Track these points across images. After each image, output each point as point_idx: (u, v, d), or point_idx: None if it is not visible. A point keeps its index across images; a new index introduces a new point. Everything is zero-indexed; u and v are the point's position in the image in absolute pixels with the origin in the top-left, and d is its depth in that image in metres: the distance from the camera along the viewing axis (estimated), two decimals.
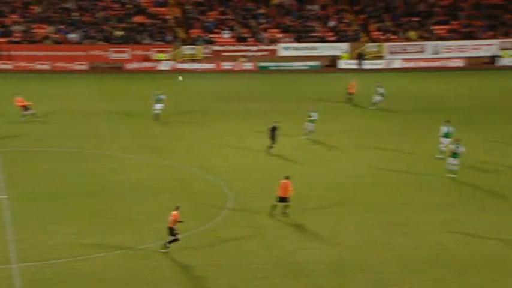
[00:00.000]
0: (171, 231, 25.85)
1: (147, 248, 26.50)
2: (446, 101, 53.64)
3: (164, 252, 25.89)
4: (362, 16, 73.83)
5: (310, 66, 68.07)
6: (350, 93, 52.05)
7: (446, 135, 38.09)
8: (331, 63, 69.04)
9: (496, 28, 72.03)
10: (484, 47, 70.52)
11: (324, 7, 74.24)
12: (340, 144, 41.31)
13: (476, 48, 70.47)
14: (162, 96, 46.17)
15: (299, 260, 25.98)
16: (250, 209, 30.88)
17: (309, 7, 74.24)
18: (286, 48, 69.40)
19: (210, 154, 39.22)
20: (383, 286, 24.25)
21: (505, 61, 69.50)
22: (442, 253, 26.70)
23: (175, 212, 25.96)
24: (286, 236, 28.13)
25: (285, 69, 67.38)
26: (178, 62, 66.80)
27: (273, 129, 38.85)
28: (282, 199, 29.70)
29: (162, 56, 67.30)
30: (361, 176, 35.67)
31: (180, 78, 53.97)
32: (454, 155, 34.86)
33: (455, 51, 70.29)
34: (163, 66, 66.56)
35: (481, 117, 47.95)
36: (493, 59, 69.99)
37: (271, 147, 38.92)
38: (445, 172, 35.28)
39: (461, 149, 34.72)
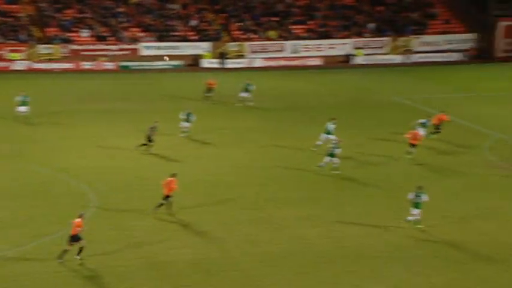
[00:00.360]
0: (75, 239, 25.02)
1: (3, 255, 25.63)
2: (308, 99, 55.00)
3: (80, 263, 25.11)
4: (223, 15, 74.39)
5: (172, 65, 67.85)
6: (209, 90, 52.47)
7: (328, 132, 39.43)
8: (193, 62, 69.12)
9: (350, 28, 74.64)
10: (339, 46, 72.85)
11: (184, 6, 74.20)
12: (209, 142, 41.51)
13: (332, 48, 72.74)
14: (27, 98, 44.70)
15: (166, 260, 25.95)
16: (116, 210, 30.49)
17: (170, 6, 73.95)
18: (148, 48, 68.82)
19: (72, 156, 38.29)
20: (248, 282, 24.66)
21: (358, 60, 72.12)
22: (304, 247, 27.48)
23: (78, 220, 25.24)
24: (154, 236, 27.99)
25: (147, 69, 66.81)
26: (35, 62, 64.70)
27: (152, 129, 38.93)
28: (166, 197, 29.72)
29: (15, 55, 64.93)
30: (227, 174, 36.03)
31: (166, 58, 53.34)
32: (331, 154, 36.01)
33: (313, 50, 72.24)
34: (18, 66, 64.28)
35: (342, 114, 49.47)
36: (347, 57, 72.47)
37: (145, 145, 38.80)
38: (311, 167, 36.54)
39: (338, 150, 36.11)
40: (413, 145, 38.60)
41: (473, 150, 41.21)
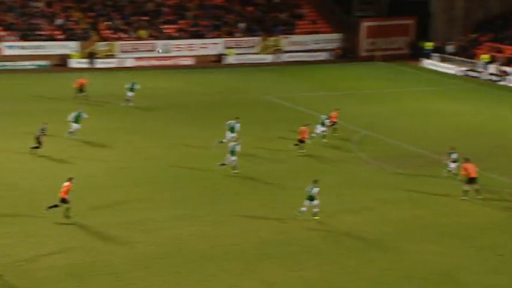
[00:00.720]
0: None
1: None
2: (181, 98, 54.87)
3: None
4: (91, 14, 72.82)
5: (38, 65, 65.70)
6: (80, 89, 51.31)
7: (231, 130, 39.84)
8: (61, 62, 67.27)
9: (221, 28, 75.00)
10: (211, 46, 73.08)
11: (49, 4, 72.00)
12: (84, 143, 40.69)
13: (204, 47, 72.86)
14: None
15: (34, 267, 25.11)
16: None
17: (33, 4, 71.55)
18: (11, 47, 66.31)
19: None
20: (121, 285, 24.27)
21: (230, 59, 72.63)
22: (179, 247, 27.36)
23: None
24: (19, 244, 27.03)
25: (11, 69, 64.29)
26: None
27: (42, 131, 38.32)
28: (62, 200, 29.15)
29: None
30: (99, 176, 35.36)
31: (159, 50, 50.88)
32: (232, 152, 36.12)
33: (185, 50, 72.09)
34: None
35: (215, 112, 49.68)
36: (219, 57, 72.82)
37: (36, 148, 38.02)
38: (187, 165, 36.68)
39: (238, 148, 36.27)
40: (301, 141, 39.83)
41: (343, 146, 42.32)
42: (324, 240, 28.63)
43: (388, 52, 76.37)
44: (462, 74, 68.03)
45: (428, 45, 74.61)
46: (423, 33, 76.96)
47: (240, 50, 73.51)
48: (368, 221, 30.60)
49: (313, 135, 41.85)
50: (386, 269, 26.08)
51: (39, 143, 38.03)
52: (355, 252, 27.35)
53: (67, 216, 29.22)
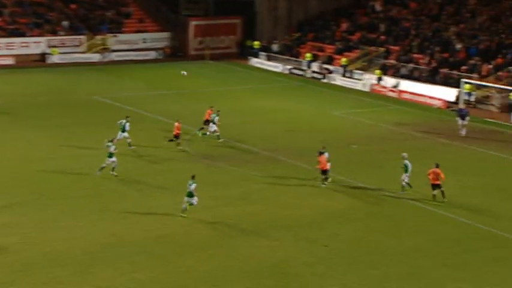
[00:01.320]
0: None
1: None
2: (2, 100, 52.49)
3: None
4: None
5: None
6: None
7: (123, 129, 39.69)
8: None
9: (42, 26, 72.43)
10: (33, 45, 70.42)
11: None
12: None
13: (25, 46, 70.07)
14: None
15: None
16: None
17: None
18: None
19: None
20: None
21: (54, 58, 70.37)
22: (3, 257, 26.19)
23: None
24: None
25: None
26: None
27: None
28: None
29: None
30: None
31: (184, 73, 45.24)
32: (110, 154, 35.44)
33: (4, 49, 68.93)
34: None
35: (40, 114, 48.03)
36: (43, 56, 70.37)
37: None
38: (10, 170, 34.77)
39: (113, 148, 35.64)
40: (176, 136, 40.74)
41: (174, 146, 42.28)
42: (157, 240, 28.46)
43: (217, 51, 77.25)
44: (287, 72, 70.16)
45: (255, 44, 76.27)
46: (250, 32, 78.51)
47: (64, 49, 71.39)
48: (202, 220, 30.74)
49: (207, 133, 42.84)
50: (220, 265, 26.35)
51: None
52: (191, 251, 27.40)
53: None
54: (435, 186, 33.46)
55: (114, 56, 73.29)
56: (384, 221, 31.37)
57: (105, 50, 73.38)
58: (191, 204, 30.69)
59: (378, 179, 37.05)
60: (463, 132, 46.61)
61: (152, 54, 75.80)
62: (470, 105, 55.11)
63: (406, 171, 34.44)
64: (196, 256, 26.95)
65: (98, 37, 73.49)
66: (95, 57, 72.43)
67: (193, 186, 30.67)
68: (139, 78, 65.21)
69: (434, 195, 33.44)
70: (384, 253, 27.86)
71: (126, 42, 75.22)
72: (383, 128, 48.33)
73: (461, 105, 51.08)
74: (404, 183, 34.53)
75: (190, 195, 30.64)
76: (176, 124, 41.19)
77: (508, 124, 50.40)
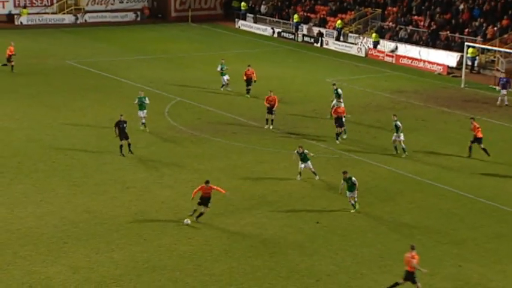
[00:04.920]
0: None
1: None
2: None
3: None
4: None
5: None
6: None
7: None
8: None
9: None
10: None
11: None
12: None
13: None
14: None
15: None
16: None
17: None
18: None
19: None
20: None
21: (23, 20, 69.77)
22: None
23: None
24: None
25: None
26: None
27: None
28: None
29: None
30: None
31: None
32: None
33: None
34: None
35: (8, 80, 47.79)
36: (10, 17, 69.72)
37: None
38: None
39: None
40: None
41: (156, 115, 42.12)
42: (134, 217, 28.42)
43: (201, 13, 76.79)
44: (276, 35, 69.84)
45: (242, 5, 75.81)
46: None
47: (34, 9, 70.69)
48: (183, 193, 30.71)
49: None
50: (203, 244, 26.35)
51: None
52: (171, 229, 27.36)
53: None
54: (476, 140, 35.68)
55: (88, 18, 72.68)
56: (379, 196, 31.44)
57: (78, 10, 72.74)
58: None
59: (373, 151, 37.10)
60: (506, 101, 46.54)
61: (130, 16, 75.26)
62: (474, 71, 55.13)
63: (396, 131, 35.99)
64: (177, 234, 26.93)
65: None
66: (68, 18, 71.82)
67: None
68: (116, 42, 64.84)
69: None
70: (378, 230, 27.94)
71: (102, 2, 74.63)
72: (380, 96, 48.32)
73: (502, 74, 50.85)
74: (403, 145, 36.20)
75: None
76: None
77: None
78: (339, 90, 40.55)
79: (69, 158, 34.63)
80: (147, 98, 38.96)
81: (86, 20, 72.39)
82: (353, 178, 29.38)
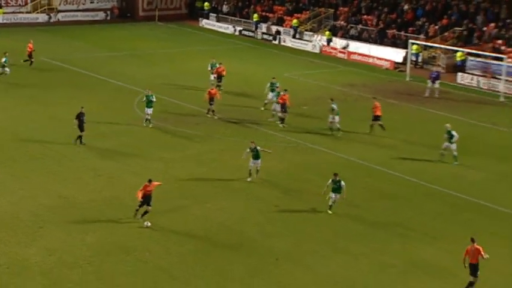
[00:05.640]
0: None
1: None
2: None
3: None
4: None
5: None
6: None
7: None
8: None
9: None
10: None
11: None
12: None
13: None
14: None
15: None
16: None
17: None
18: None
19: None
20: None
21: None
22: None
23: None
24: None
25: None
26: None
27: None
28: None
29: None
30: None
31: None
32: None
33: None
34: None
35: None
36: None
37: None
38: None
39: None
40: None
41: (126, 108, 41.87)
42: (105, 202, 28.25)
43: (167, 12, 76.30)
44: (238, 33, 69.73)
45: (205, 5, 75.50)
46: None
47: (9, 8, 69.62)
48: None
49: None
50: (171, 226, 26.28)
51: None
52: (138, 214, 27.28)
53: None
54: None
55: (60, 17, 71.82)
56: None
57: (51, 10, 71.83)
58: None
59: (327, 139, 37.31)
60: (436, 94, 46.93)
61: (100, 15, 74.54)
62: (418, 66, 55.65)
63: (331, 113, 37.54)
64: (147, 218, 26.81)
65: None
66: (41, 17, 70.90)
67: None
68: (87, 40, 64.14)
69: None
70: (333, 212, 28.11)
71: (73, 2, 73.78)
72: (333, 89, 48.52)
73: (435, 68, 51.18)
74: (337, 124, 37.52)
75: None
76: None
77: (453, 84, 51.06)
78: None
79: (43, 149, 34.26)
80: (154, 96, 38.24)
81: (58, 19, 71.49)
82: (342, 182, 27.75)
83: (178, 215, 27.41)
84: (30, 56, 50.77)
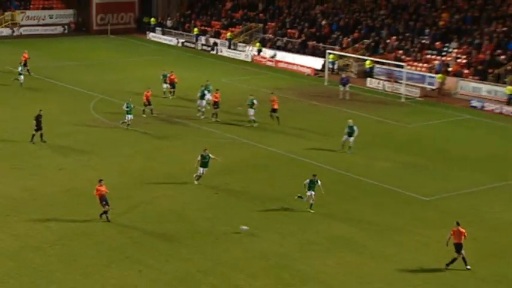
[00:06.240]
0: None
1: None
2: None
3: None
4: None
5: None
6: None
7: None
8: None
9: None
10: None
11: None
12: None
13: None
14: None
15: None
16: None
17: None
18: None
19: None
20: None
21: None
22: None
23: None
24: None
25: None
26: None
27: None
28: None
29: None
30: None
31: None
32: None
33: None
34: None
35: None
36: None
37: None
38: None
39: None
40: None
41: (83, 110, 41.10)
42: (66, 194, 27.72)
43: (118, 26, 75.21)
44: (180, 45, 69.25)
45: (152, 20, 74.72)
46: (146, 10, 76.91)
47: None
48: (106, 174, 30.08)
49: None
50: (125, 212, 25.99)
51: None
52: (95, 203, 26.48)
53: None
54: None
55: (23, 31, 69.97)
56: (263, 172, 31.73)
57: (14, 25, 69.90)
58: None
59: (258, 136, 37.44)
60: (347, 96, 47.41)
61: (59, 29, 72.94)
62: (334, 73, 56.33)
63: (251, 107, 38.43)
64: (100, 208, 26.38)
65: (7, 13, 69.89)
66: (5, 31, 68.95)
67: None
68: (48, 51, 62.65)
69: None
70: (264, 198, 28.24)
71: (34, 18, 72.03)
72: (263, 93, 48.59)
73: (345, 74, 51.62)
74: (253, 118, 38.27)
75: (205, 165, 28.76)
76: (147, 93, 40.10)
77: (363, 88, 51.87)
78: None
79: (8, 146, 33.38)
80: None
81: (21, 33, 69.60)
82: (319, 181, 26.68)
83: (131, 203, 27.11)
84: (25, 64, 49.32)
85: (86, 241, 23.48)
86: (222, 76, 53.84)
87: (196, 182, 29.41)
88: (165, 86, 45.45)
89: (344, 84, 47.75)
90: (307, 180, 26.96)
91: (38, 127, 33.71)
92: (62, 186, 28.50)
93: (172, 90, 45.15)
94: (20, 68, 46.53)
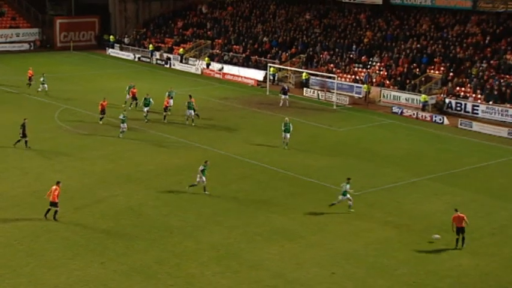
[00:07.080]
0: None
1: None
2: None
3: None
4: None
5: None
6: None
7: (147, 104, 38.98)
8: None
9: None
10: None
11: None
12: None
13: None
14: None
15: None
16: None
17: None
18: None
19: None
20: None
21: None
22: None
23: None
24: None
25: None
26: None
27: None
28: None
29: None
30: None
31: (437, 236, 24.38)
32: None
33: None
34: None
35: None
36: None
37: None
38: None
39: None
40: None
41: (48, 119, 40.10)
42: (33, 195, 27.01)
43: (80, 43, 73.88)
44: (137, 59, 68.45)
45: (111, 38, 73.66)
46: (106, 28, 75.84)
47: None
48: (71, 176, 29.51)
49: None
50: (86, 211, 25.50)
51: None
52: (62, 201, 25.88)
53: None
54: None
55: None
56: (214, 171, 31.61)
57: None
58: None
59: (207, 140, 37.31)
60: (287, 104, 47.53)
61: (25, 46, 71.11)
62: (274, 83, 56.64)
63: (189, 108, 39.42)
64: (67, 205, 25.83)
65: None
66: None
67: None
68: (14, 66, 60.91)
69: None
70: (213, 195, 28.13)
71: (2, 36, 70.01)
72: (212, 102, 48.57)
73: (284, 84, 51.74)
74: (192, 117, 39.08)
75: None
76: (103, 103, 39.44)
77: (300, 96, 52.34)
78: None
79: None
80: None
81: None
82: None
83: (93, 201, 26.61)
84: (30, 79, 49.21)
85: (51, 237, 22.92)
86: (175, 87, 53.01)
87: (206, 192, 27.95)
88: (127, 96, 44.95)
89: (284, 93, 48.11)
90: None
91: (23, 134, 32.82)
92: (28, 188, 27.78)
93: (133, 102, 44.69)
94: (42, 78, 47.32)
